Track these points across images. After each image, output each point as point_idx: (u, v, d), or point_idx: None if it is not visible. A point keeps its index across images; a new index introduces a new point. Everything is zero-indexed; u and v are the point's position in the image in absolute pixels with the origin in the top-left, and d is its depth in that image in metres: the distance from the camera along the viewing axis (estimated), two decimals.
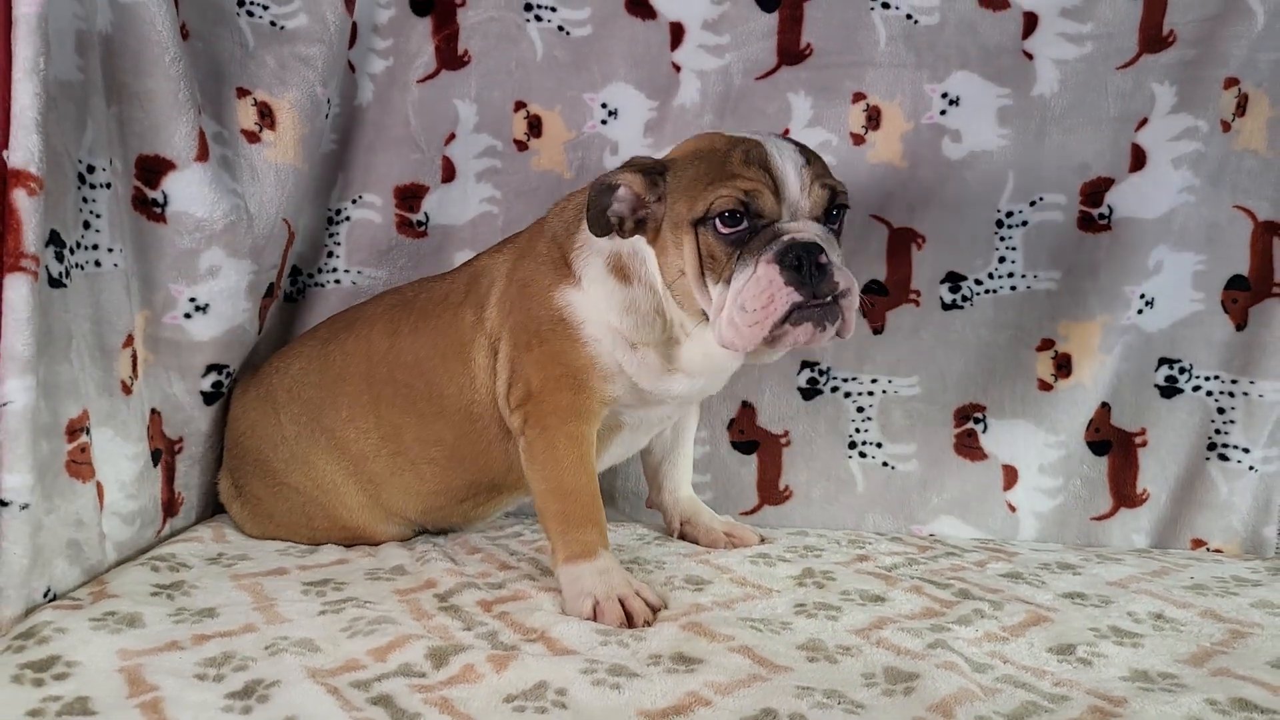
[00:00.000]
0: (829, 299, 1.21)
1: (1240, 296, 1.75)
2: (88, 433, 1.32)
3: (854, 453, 1.88)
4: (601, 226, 1.31)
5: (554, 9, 1.90)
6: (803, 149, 1.29)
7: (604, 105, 1.90)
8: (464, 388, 1.51)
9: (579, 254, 1.41)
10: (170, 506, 1.62)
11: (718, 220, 1.23)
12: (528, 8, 1.90)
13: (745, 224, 1.23)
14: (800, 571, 1.47)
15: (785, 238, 1.21)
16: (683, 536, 1.69)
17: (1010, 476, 1.83)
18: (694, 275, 1.27)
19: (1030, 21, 1.79)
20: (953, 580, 1.44)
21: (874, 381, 1.87)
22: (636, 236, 1.35)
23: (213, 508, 1.77)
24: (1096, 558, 1.62)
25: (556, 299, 1.41)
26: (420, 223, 1.92)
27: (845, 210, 1.32)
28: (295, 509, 1.63)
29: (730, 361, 1.41)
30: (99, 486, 1.37)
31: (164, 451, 1.60)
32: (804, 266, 1.19)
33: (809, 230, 1.23)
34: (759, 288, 1.20)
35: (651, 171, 1.30)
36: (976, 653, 1.15)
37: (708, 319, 1.29)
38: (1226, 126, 1.71)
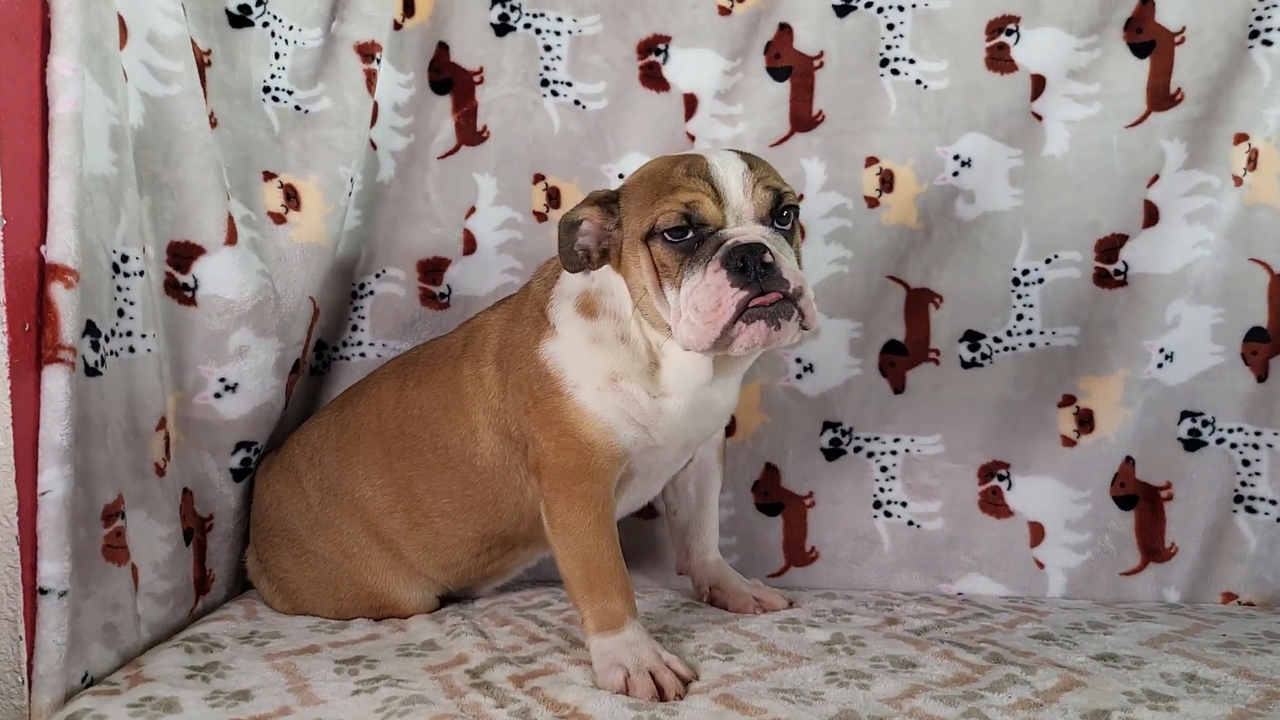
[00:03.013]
0: (781, 298, 1.25)
1: (1260, 349, 1.75)
2: (123, 517, 1.35)
3: (879, 512, 1.88)
4: (573, 263, 1.37)
5: (569, 84, 1.94)
6: (745, 156, 1.35)
7: (620, 176, 1.93)
8: (465, 439, 1.53)
9: (553, 304, 1.46)
10: (202, 584, 1.64)
11: (665, 233, 1.29)
12: (544, 83, 1.94)
13: (690, 233, 1.29)
14: (830, 637, 1.46)
15: (729, 242, 1.26)
16: (712, 601, 1.68)
17: (1037, 533, 1.82)
18: (652, 288, 1.33)
19: (1038, 84, 1.82)
20: (984, 644, 1.43)
21: (896, 441, 1.88)
22: (605, 269, 1.40)
23: (242, 584, 1.78)
24: (1127, 615, 1.60)
25: (539, 354, 1.44)
26: (443, 295, 1.95)
27: (795, 211, 1.35)
28: (322, 578, 1.64)
29: (705, 375, 1.41)
30: (134, 569, 1.39)
31: (195, 530, 1.62)
32: (749, 267, 1.24)
33: (753, 232, 1.28)
34: (707, 291, 1.25)
35: (606, 200, 1.38)
36: None
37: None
38: (1239, 181, 1.73)
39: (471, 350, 1.56)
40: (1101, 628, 1.52)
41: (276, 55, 1.73)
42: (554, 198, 1.96)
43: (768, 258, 1.24)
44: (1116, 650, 1.40)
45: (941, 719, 1.14)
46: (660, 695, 1.24)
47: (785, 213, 1.33)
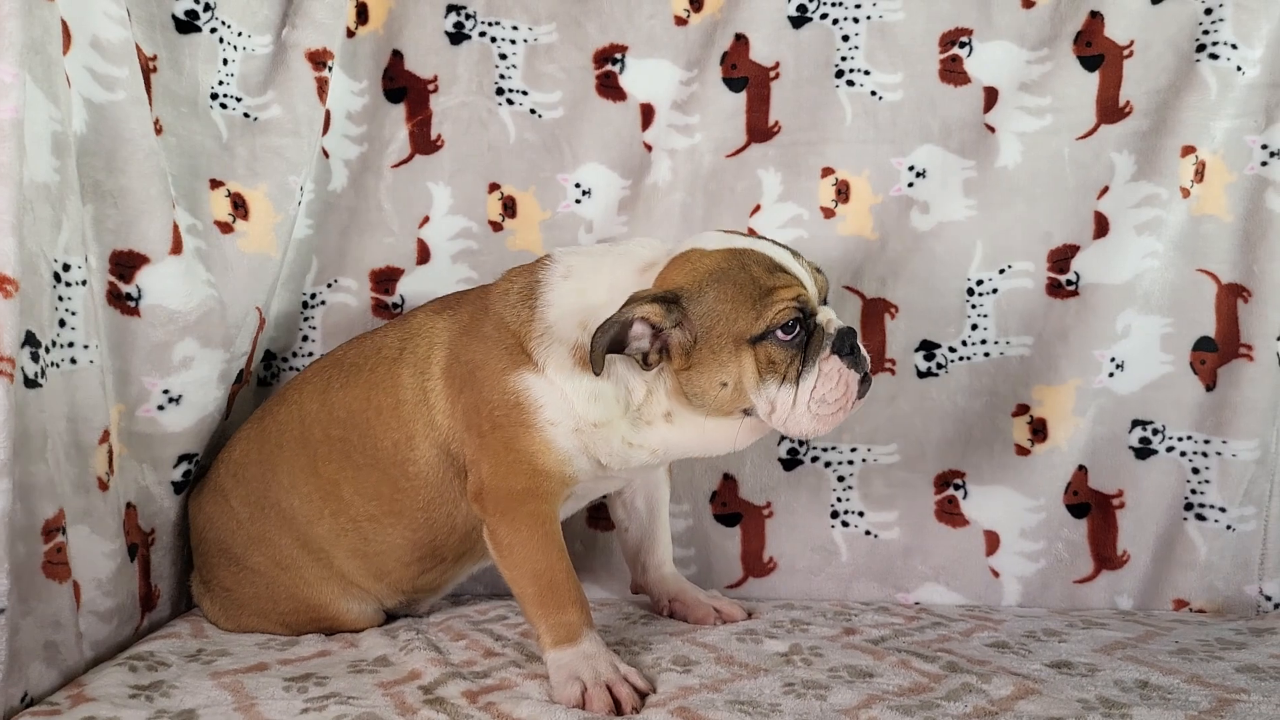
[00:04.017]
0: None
1: (1208, 358, 1.78)
2: (64, 532, 1.31)
3: (836, 522, 1.88)
4: (600, 364, 1.31)
5: (525, 93, 1.93)
6: (780, 244, 1.39)
7: (577, 185, 1.93)
8: (399, 444, 1.51)
9: (540, 342, 1.41)
10: (148, 600, 1.60)
11: (779, 331, 1.31)
12: (499, 92, 1.93)
13: (799, 328, 1.32)
14: (788, 648, 1.45)
15: (831, 330, 1.34)
16: (672, 614, 1.67)
17: (992, 542, 1.83)
18: (752, 385, 1.33)
19: (991, 96, 1.84)
20: (940, 653, 1.43)
21: (853, 450, 1.88)
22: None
23: (188, 600, 1.75)
24: (1081, 623, 1.62)
25: (513, 383, 1.41)
26: (396, 305, 1.93)
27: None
28: (261, 594, 1.61)
29: (688, 448, 1.45)
30: (76, 586, 1.36)
31: (140, 545, 1.58)
32: (855, 350, 1.34)
33: (834, 316, 1.36)
34: (834, 381, 1.32)
35: (664, 300, 1.31)
36: None
37: (739, 414, 1.38)
38: (1186, 193, 1.75)
39: (413, 357, 1.53)
40: (1056, 635, 1.53)
41: (225, 61, 1.70)
42: (509, 207, 1.94)
43: (858, 339, 1.35)
44: (1071, 658, 1.40)
45: None
46: (617, 709, 1.23)
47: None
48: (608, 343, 1.30)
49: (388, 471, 1.52)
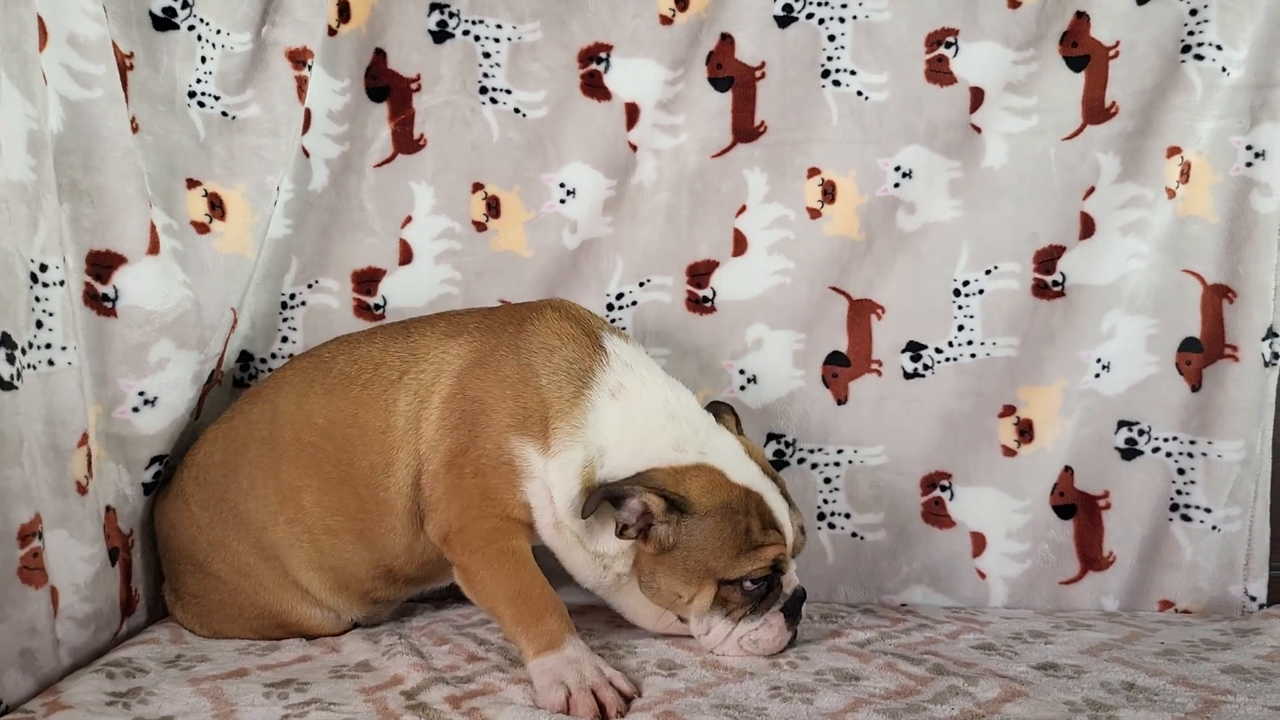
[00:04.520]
0: None
1: (1194, 358, 1.78)
2: (40, 537, 1.29)
3: (823, 524, 1.87)
4: (589, 514, 1.39)
5: (509, 91, 1.91)
6: (783, 491, 1.45)
7: (562, 185, 1.91)
8: (377, 468, 1.49)
9: (565, 435, 1.42)
10: (128, 605, 1.58)
11: (748, 582, 1.40)
12: (483, 91, 1.91)
13: (766, 583, 1.41)
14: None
15: (788, 590, 1.44)
16: None
17: (979, 543, 1.83)
18: (700, 609, 1.42)
19: (977, 97, 1.83)
20: (927, 655, 1.43)
21: (840, 452, 1.87)
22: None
23: (164, 605, 1.72)
24: (1067, 624, 1.62)
25: (514, 446, 1.43)
26: (378, 306, 1.91)
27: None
28: (226, 600, 1.58)
29: (620, 606, 1.55)
30: (53, 591, 1.34)
31: (120, 549, 1.56)
32: (796, 614, 1.44)
33: (794, 577, 1.46)
34: (773, 633, 1.42)
35: (673, 503, 1.37)
36: None
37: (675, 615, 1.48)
38: (1171, 194, 1.75)
39: (415, 383, 1.50)
40: (1042, 637, 1.53)
41: (203, 59, 1.67)
42: (493, 207, 1.93)
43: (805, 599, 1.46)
44: (1057, 660, 1.40)
45: None
46: (602, 714, 1.22)
47: None
48: (601, 501, 1.38)
49: (358, 491, 1.50)
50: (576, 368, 1.46)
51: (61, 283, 1.37)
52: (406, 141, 1.92)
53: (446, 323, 1.58)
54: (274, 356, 1.90)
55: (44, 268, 1.34)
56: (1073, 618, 1.68)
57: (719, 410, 1.59)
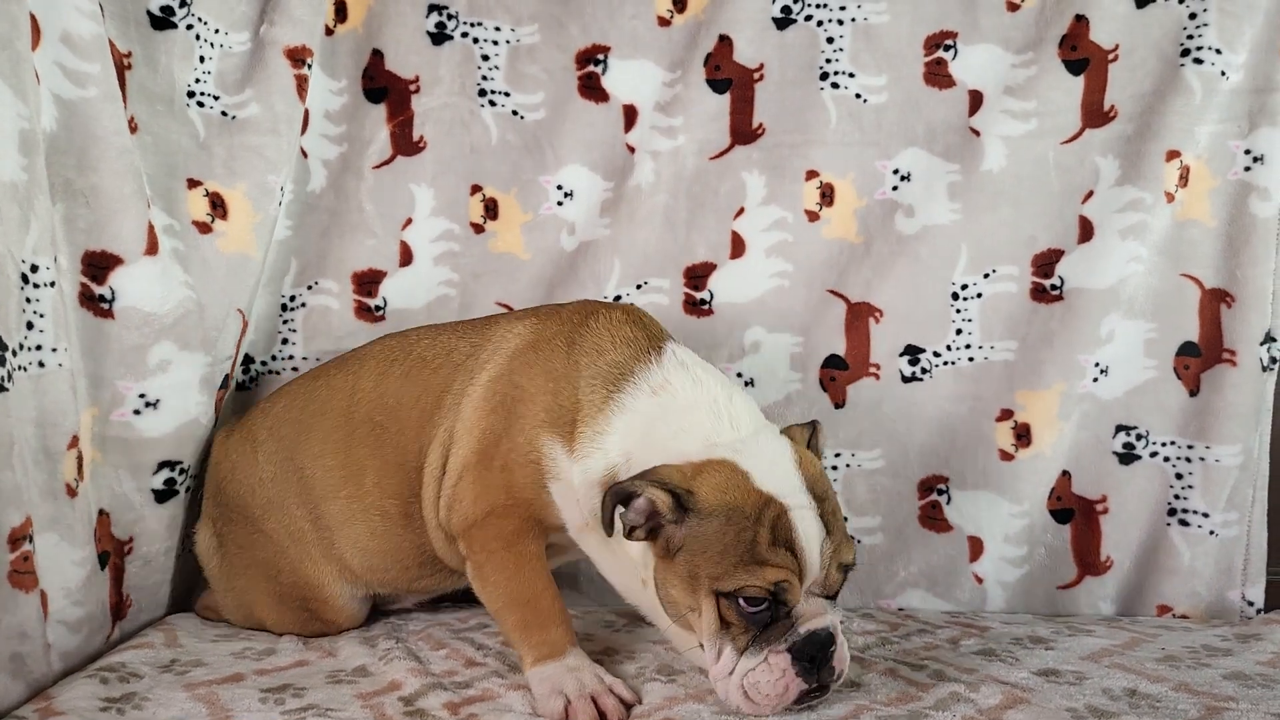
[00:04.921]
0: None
1: (1192, 363, 1.78)
2: (30, 540, 1.27)
3: None
4: (609, 526, 1.25)
5: (507, 94, 1.91)
6: (822, 513, 1.23)
7: (559, 187, 1.90)
8: (424, 450, 1.48)
9: (584, 439, 1.35)
10: (119, 610, 1.56)
11: (743, 600, 1.19)
12: (481, 93, 1.91)
13: (767, 608, 1.20)
14: None
15: (803, 629, 1.19)
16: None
17: (976, 548, 1.83)
18: (710, 631, 1.22)
19: (976, 99, 1.83)
20: (927, 660, 1.42)
21: (837, 455, 1.86)
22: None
23: (164, 609, 1.71)
24: (1067, 629, 1.61)
25: (544, 444, 1.37)
26: (378, 307, 1.90)
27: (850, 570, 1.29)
28: (269, 560, 1.58)
29: (654, 619, 1.38)
30: (43, 595, 1.32)
31: (112, 553, 1.55)
32: (815, 661, 1.19)
33: (823, 618, 1.21)
34: (774, 676, 1.19)
35: (678, 495, 1.22)
36: None
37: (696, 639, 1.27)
38: (1170, 198, 1.75)
39: (473, 363, 1.48)
40: (1042, 643, 1.52)
41: (202, 59, 1.66)
42: (491, 209, 1.92)
43: (832, 648, 1.20)
44: (1058, 665, 1.39)
45: None
46: None
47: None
48: (614, 507, 1.24)
49: (409, 475, 1.50)
50: (616, 371, 1.38)
51: (53, 284, 1.36)
52: (406, 143, 1.91)
53: (530, 310, 1.56)
54: (274, 359, 1.89)
55: (35, 268, 1.33)
56: (1073, 623, 1.68)
57: (808, 426, 1.43)
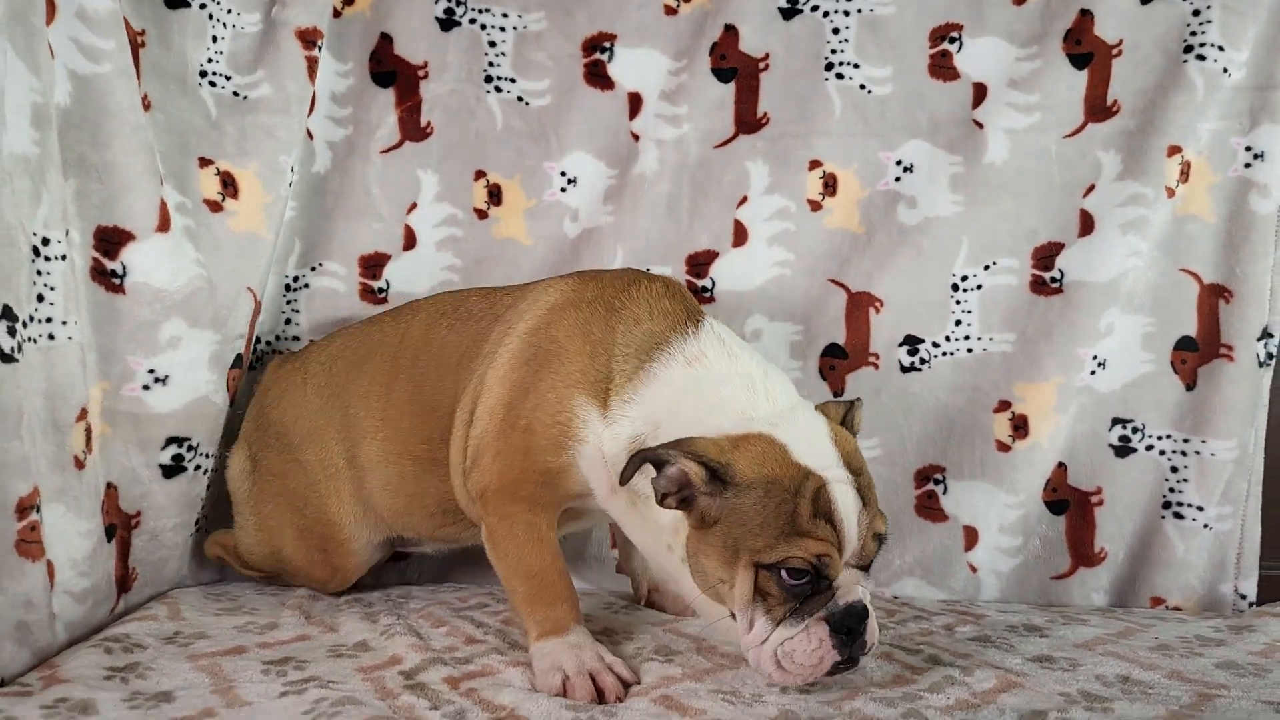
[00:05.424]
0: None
1: (1189, 357, 1.79)
2: (38, 510, 1.29)
3: None
4: (626, 480, 1.25)
5: (513, 80, 1.92)
6: (859, 484, 1.25)
7: (563, 174, 1.92)
8: (456, 396, 1.50)
9: (619, 404, 1.35)
10: (124, 583, 1.58)
11: (785, 573, 1.20)
12: (488, 80, 1.92)
13: (809, 580, 1.20)
14: None
15: (841, 601, 1.21)
16: (650, 604, 1.67)
17: (971, 537, 1.84)
18: (743, 602, 1.23)
19: (980, 92, 1.84)
20: (922, 645, 1.44)
21: None
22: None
23: (169, 584, 1.72)
24: (1062, 618, 1.62)
25: (577, 404, 1.36)
26: (381, 290, 1.91)
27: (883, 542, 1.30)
28: (299, 491, 1.64)
29: (683, 592, 1.36)
30: (49, 565, 1.34)
31: (119, 527, 1.56)
32: (853, 633, 1.21)
33: (859, 589, 1.23)
34: (810, 646, 1.20)
35: (714, 468, 1.22)
36: None
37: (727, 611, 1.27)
38: (1171, 193, 1.76)
39: (513, 314, 1.49)
40: (1037, 630, 1.54)
41: (214, 39, 1.68)
42: (495, 195, 1.93)
43: (867, 622, 1.22)
44: (1052, 652, 1.41)
45: (880, 719, 1.14)
46: (600, 698, 1.22)
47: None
48: (639, 467, 1.23)
49: (441, 422, 1.52)
50: (652, 341, 1.37)
51: (63, 257, 1.37)
52: (414, 129, 1.92)
53: (576, 273, 1.55)
54: (278, 339, 1.91)
55: (46, 241, 1.34)
56: (1067, 612, 1.69)
57: (844, 404, 1.44)
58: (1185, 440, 1.79)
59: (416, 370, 1.57)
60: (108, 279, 1.49)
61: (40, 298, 1.34)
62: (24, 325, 1.29)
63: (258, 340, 1.89)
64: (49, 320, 1.36)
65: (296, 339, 1.89)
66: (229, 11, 1.69)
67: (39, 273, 1.33)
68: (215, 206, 1.66)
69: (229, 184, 1.68)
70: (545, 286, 1.52)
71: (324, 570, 1.66)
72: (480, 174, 1.93)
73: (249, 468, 1.70)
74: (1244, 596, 1.78)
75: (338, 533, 1.63)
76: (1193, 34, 1.75)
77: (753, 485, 1.21)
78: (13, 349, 1.25)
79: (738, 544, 1.22)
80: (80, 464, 1.41)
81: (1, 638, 1.23)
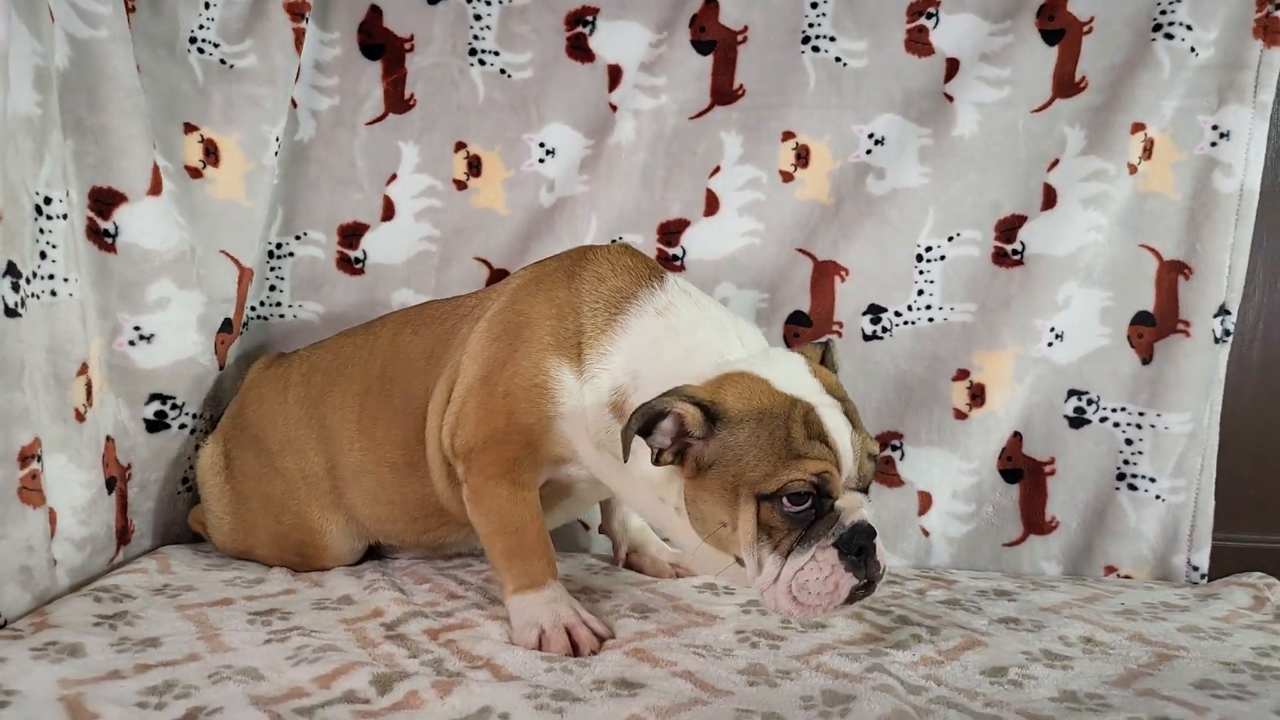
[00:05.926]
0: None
1: (1145, 332, 1.82)
2: (39, 460, 1.33)
3: None
4: (628, 451, 1.24)
5: (496, 53, 1.94)
6: (846, 407, 1.27)
7: (542, 145, 1.95)
8: (429, 391, 1.52)
9: (594, 358, 1.37)
10: (124, 534, 1.62)
11: (787, 499, 1.20)
12: (471, 52, 1.94)
13: (811, 505, 1.21)
14: (745, 600, 1.49)
15: (846, 522, 1.21)
16: (629, 565, 1.71)
17: (925, 502, 1.87)
18: (747, 541, 1.23)
19: (952, 66, 1.86)
20: (893, 607, 1.47)
21: None
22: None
23: (162, 538, 1.76)
24: (1032, 584, 1.66)
25: (548, 366, 1.38)
26: (358, 260, 1.94)
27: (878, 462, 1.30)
28: (276, 496, 1.64)
29: (682, 543, 1.38)
30: (51, 513, 1.38)
31: (118, 479, 1.61)
32: (864, 552, 1.20)
33: (862, 511, 1.23)
34: (823, 573, 1.19)
35: (706, 408, 1.22)
36: (912, 675, 1.18)
37: (732, 558, 1.28)
38: (1133, 169, 1.79)
39: (479, 310, 1.52)
40: (1007, 595, 1.58)
41: (206, 5, 1.70)
42: (474, 166, 1.96)
43: (876, 540, 1.22)
44: (1019, 615, 1.45)
45: (846, 673, 1.17)
46: (574, 651, 1.25)
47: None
48: (641, 427, 1.22)
49: (414, 421, 1.54)
50: (619, 295, 1.40)
51: (64, 216, 1.41)
52: (397, 101, 1.95)
53: (535, 263, 1.56)
54: (262, 304, 1.94)
55: (48, 200, 1.38)
56: (1039, 579, 1.73)
57: (820, 344, 1.44)
58: (1140, 414, 1.81)
59: (385, 379, 1.59)
60: (101, 238, 1.52)
61: (43, 255, 1.38)
62: (27, 281, 1.32)
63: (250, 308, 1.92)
64: (51, 277, 1.40)
65: (279, 305, 1.93)
66: None
67: (41, 231, 1.37)
68: (195, 173, 1.69)
69: (211, 151, 1.71)
70: (507, 279, 1.56)
71: (303, 569, 1.66)
72: (460, 145, 1.95)
73: (222, 463, 1.70)
74: (1196, 568, 1.80)
75: (317, 539, 1.64)
76: (1162, 12, 1.77)
77: (744, 419, 1.22)
78: (16, 304, 1.29)
79: (736, 481, 1.22)
80: (81, 417, 1.45)
81: (5, 580, 1.28)
